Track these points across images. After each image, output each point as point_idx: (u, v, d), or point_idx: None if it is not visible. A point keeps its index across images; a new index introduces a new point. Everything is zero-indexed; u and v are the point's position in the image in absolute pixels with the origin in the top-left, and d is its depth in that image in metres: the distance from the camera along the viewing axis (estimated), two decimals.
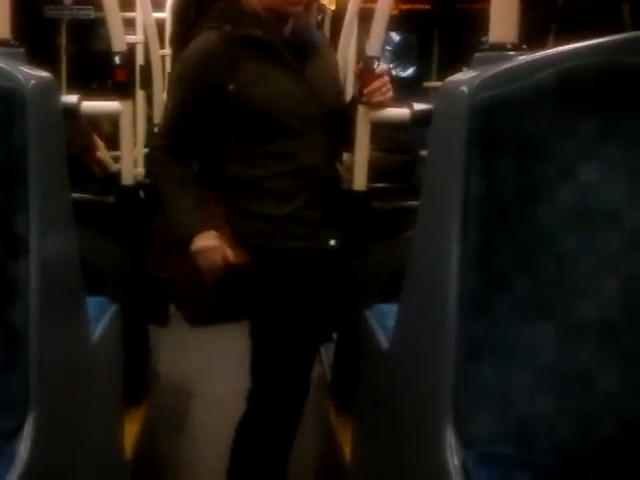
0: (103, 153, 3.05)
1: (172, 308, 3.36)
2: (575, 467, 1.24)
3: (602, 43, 1.26)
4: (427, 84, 5.22)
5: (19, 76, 1.31)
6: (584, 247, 1.25)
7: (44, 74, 1.41)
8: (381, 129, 2.46)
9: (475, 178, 1.25)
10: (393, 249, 2.19)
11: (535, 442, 1.25)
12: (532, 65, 1.27)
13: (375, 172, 2.43)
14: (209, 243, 2.08)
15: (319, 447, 2.88)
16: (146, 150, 3.82)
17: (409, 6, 5.94)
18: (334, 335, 2.76)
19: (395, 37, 6.53)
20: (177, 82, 2.11)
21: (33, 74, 1.36)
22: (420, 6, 6.25)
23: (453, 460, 1.22)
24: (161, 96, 3.88)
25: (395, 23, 5.54)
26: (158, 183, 2.16)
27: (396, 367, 1.65)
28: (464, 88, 1.28)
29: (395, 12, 4.94)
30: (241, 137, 2.08)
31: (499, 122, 1.25)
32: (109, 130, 3.68)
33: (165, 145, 2.13)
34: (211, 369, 3.65)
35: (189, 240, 2.09)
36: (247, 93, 2.02)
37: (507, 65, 1.30)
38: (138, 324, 2.54)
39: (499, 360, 1.26)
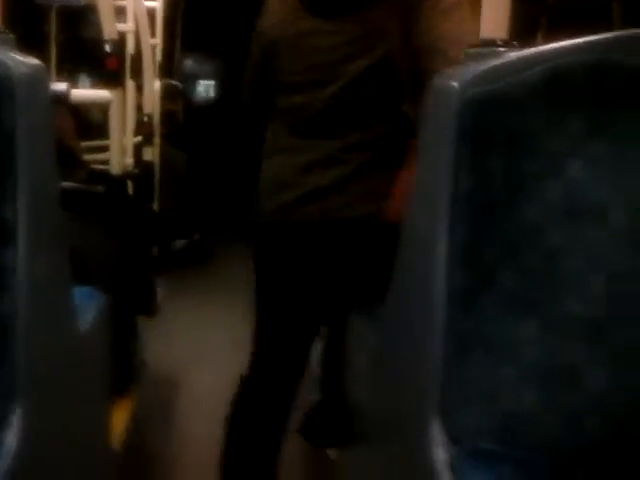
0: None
1: (159, 298, 3.37)
2: (561, 464, 1.25)
3: (592, 41, 1.26)
4: None
5: (8, 63, 1.29)
6: (571, 244, 1.25)
7: (34, 61, 1.40)
8: None
9: (464, 174, 1.25)
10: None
11: (521, 438, 1.26)
12: (522, 62, 1.26)
13: None
14: None
15: (307, 442, 2.88)
16: (135, 139, 3.81)
17: None
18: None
19: None
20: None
21: (22, 61, 1.34)
22: None
23: (440, 456, 1.22)
24: (152, 85, 3.86)
25: None
26: None
27: (384, 364, 1.65)
28: (455, 83, 1.27)
29: None
30: None
31: (489, 118, 1.25)
32: (98, 118, 3.66)
33: None
34: (198, 360, 3.65)
35: None
36: None
37: (497, 61, 1.30)
38: (126, 314, 2.54)
39: (486, 356, 1.26)
